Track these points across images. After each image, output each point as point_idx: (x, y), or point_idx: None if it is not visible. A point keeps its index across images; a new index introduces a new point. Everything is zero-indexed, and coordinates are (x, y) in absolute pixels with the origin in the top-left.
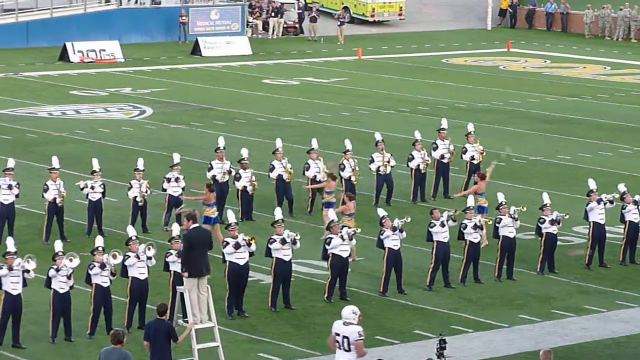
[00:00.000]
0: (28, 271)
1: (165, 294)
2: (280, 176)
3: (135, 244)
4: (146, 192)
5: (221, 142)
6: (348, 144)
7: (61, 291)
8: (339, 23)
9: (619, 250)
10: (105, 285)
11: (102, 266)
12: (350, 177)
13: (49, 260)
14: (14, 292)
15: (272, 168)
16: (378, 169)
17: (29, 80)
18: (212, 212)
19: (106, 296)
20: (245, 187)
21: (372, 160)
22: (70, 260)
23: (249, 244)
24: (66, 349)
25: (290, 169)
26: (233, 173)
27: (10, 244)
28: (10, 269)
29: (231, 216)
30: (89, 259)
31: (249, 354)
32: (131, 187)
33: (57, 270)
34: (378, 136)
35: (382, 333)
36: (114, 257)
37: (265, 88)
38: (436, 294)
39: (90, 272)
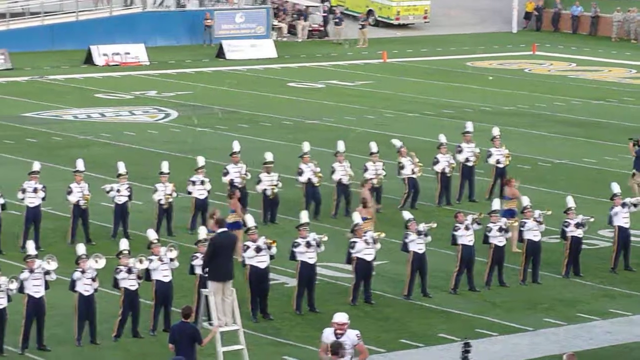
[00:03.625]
0: (49, 272)
1: (191, 296)
2: (309, 180)
3: (157, 247)
4: (171, 194)
5: (236, 146)
6: (374, 147)
7: (86, 294)
8: (360, 26)
9: None
10: (133, 288)
11: (129, 271)
12: (371, 179)
13: (74, 262)
14: (37, 295)
15: (301, 172)
16: (412, 172)
17: (54, 83)
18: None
19: (134, 300)
20: (265, 190)
21: (403, 166)
22: (96, 261)
23: (269, 247)
24: (91, 352)
25: (320, 172)
26: (249, 176)
27: (30, 247)
28: (32, 271)
29: (250, 220)
30: (113, 261)
31: (273, 356)
32: (156, 190)
33: (82, 272)
34: (397, 143)
35: (406, 336)
36: (140, 262)
37: (290, 91)
38: (461, 297)
39: (117, 276)
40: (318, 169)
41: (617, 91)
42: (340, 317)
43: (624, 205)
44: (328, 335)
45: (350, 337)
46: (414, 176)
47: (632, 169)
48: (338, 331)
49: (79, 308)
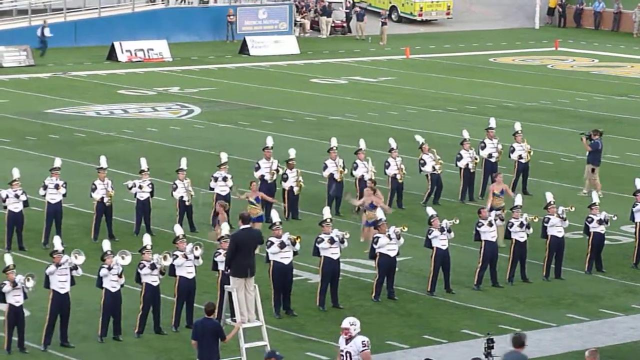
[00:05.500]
0: (76, 267)
1: (213, 293)
2: (331, 175)
3: (182, 243)
4: (192, 191)
5: (269, 142)
6: (393, 143)
7: (113, 290)
8: (381, 23)
9: None
10: (155, 284)
11: (153, 266)
12: (395, 175)
13: (98, 258)
14: (62, 291)
15: (325, 167)
16: (433, 169)
17: (77, 79)
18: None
19: (155, 295)
20: (291, 187)
21: (425, 163)
22: (123, 257)
23: (293, 243)
24: (114, 348)
25: (344, 169)
26: (280, 172)
27: (57, 242)
28: (58, 266)
29: (275, 215)
30: (138, 257)
31: (297, 352)
32: (176, 187)
33: (109, 269)
34: (420, 139)
35: (429, 332)
36: (165, 258)
37: (313, 87)
38: (484, 293)
39: (140, 271)
40: (342, 166)
41: (639, 87)
42: (344, 323)
43: None
44: (341, 341)
45: (357, 343)
46: (435, 172)
47: (586, 163)
48: (344, 336)
49: (105, 304)
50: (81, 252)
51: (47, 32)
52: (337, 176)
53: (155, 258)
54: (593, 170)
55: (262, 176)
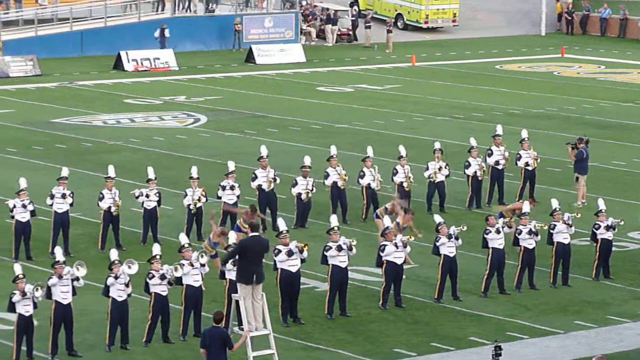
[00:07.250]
0: (78, 279)
1: (221, 301)
2: (334, 183)
3: (188, 252)
4: (199, 199)
5: (264, 151)
6: (402, 151)
7: (119, 299)
8: (386, 31)
9: None
10: (164, 294)
11: (162, 277)
12: (402, 182)
13: (105, 268)
14: (64, 302)
15: (327, 175)
16: (429, 177)
17: (84, 89)
18: None
19: (164, 305)
20: (300, 193)
21: (427, 168)
22: (129, 266)
23: (301, 251)
24: (122, 357)
25: (345, 175)
26: (278, 181)
27: (58, 253)
28: (60, 277)
29: (282, 224)
30: (146, 267)
31: None
32: (186, 195)
33: (116, 278)
34: (437, 145)
35: (437, 340)
36: (176, 269)
37: (319, 95)
38: (491, 300)
39: (149, 281)
40: (344, 172)
41: None
42: None
43: None
44: None
45: None
46: (431, 180)
47: (573, 172)
48: None
49: (112, 313)
50: (83, 265)
51: (166, 33)
52: (340, 183)
53: (165, 268)
54: (577, 179)
55: (260, 186)
